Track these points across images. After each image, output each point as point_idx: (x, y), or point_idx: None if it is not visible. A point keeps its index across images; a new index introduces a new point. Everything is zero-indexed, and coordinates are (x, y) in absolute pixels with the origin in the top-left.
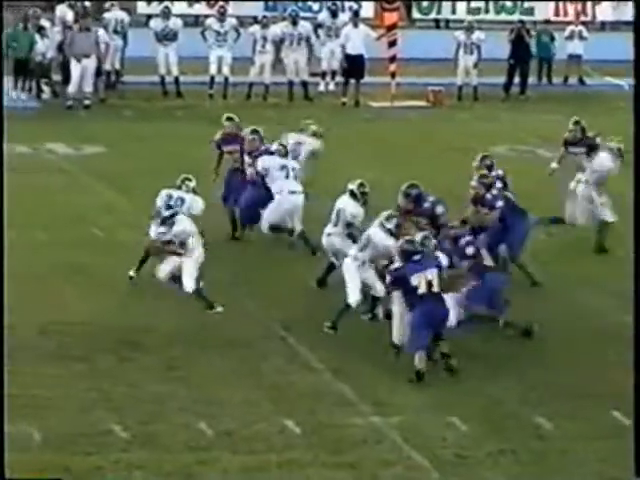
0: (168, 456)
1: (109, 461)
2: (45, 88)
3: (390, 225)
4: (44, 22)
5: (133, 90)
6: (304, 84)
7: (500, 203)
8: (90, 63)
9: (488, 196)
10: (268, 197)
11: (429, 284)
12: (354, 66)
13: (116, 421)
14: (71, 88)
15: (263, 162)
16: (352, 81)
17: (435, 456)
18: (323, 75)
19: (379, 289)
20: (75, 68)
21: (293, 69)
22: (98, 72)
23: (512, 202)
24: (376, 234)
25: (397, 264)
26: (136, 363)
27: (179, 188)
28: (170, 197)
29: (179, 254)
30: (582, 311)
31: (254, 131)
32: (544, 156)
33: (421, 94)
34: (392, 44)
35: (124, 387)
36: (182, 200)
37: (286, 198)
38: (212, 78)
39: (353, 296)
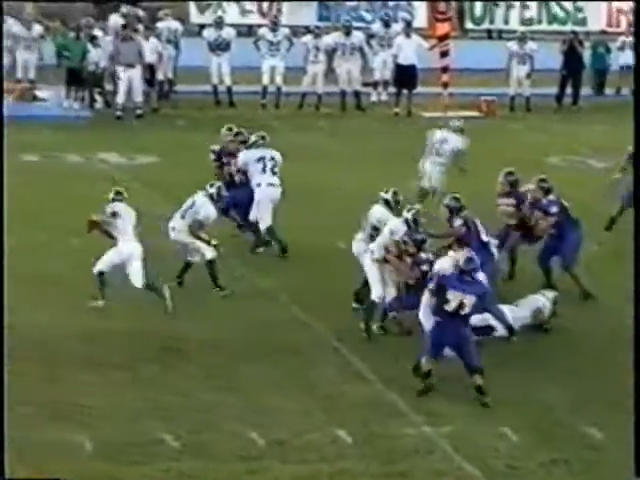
0: (219, 465)
1: (160, 470)
2: (98, 98)
3: (409, 215)
4: (97, 31)
5: (186, 100)
6: (356, 94)
7: (555, 209)
8: (135, 73)
9: (544, 201)
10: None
11: (461, 305)
12: (406, 76)
13: (166, 430)
14: (119, 98)
15: (241, 158)
16: (404, 91)
17: (486, 466)
18: (375, 85)
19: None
20: (122, 78)
21: (345, 79)
22: (151, 82)
23: (567, 211)
24: (391, 220)
25: (446, 272)
26: (181, 371)
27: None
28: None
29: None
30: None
31: (235, 132)
32: (596, 166)
33: (473, 104)
34: (444, 54)
35: (171, 396)
36: (193, 203)
37: (264, 191)
38: (265, 88)
39: (376, 292)
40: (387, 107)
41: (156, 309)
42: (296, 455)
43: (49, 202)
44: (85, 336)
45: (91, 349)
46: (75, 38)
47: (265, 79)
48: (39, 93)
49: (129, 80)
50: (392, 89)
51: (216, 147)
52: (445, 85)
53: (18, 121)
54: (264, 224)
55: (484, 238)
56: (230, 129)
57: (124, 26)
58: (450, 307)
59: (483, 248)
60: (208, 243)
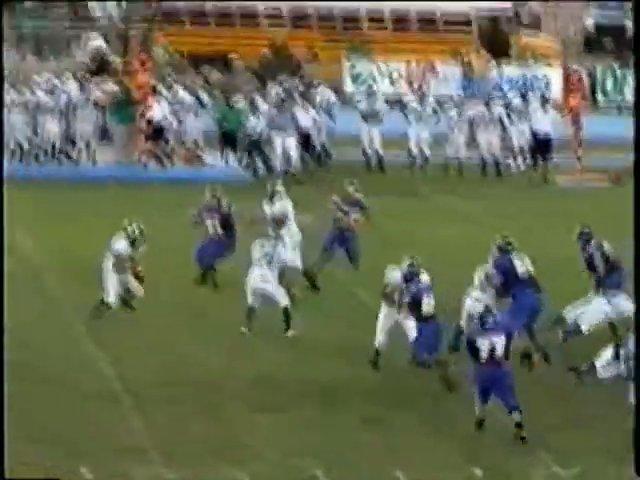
0: None
1: None
2: (259, 162)
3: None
4: (259, 101)
5: (340, 165)
6: (496, 162)
7: None
8: (291, 140)
9: None
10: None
11: (492, 349)
12: (542, 146)
13: (319, 467)
14: (276, 162)
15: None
16: (540, 159)
17: None
18: (513, 154)
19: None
20: (276, 144)
21: (485, 147)
22: (307, 147)
23: None
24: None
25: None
26: (334, 413)
27: None
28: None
29: None
30: None
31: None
32: None
33: (605, 173)
34: (577, 125)
35: (326, 435)
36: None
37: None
38: (411, 154)
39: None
40: (524, 174)
41: (316, 356)
42: None
43: None
44: (249, 378)
45: (253, 391)
46: (230, 107)
47: (412, 145)
48: (205, 157)
49: (285, 146)
50: (529, 157)
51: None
52: (578, 155)
53: (185, 182)
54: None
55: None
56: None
57: (282, 96)
58: (485, 354)
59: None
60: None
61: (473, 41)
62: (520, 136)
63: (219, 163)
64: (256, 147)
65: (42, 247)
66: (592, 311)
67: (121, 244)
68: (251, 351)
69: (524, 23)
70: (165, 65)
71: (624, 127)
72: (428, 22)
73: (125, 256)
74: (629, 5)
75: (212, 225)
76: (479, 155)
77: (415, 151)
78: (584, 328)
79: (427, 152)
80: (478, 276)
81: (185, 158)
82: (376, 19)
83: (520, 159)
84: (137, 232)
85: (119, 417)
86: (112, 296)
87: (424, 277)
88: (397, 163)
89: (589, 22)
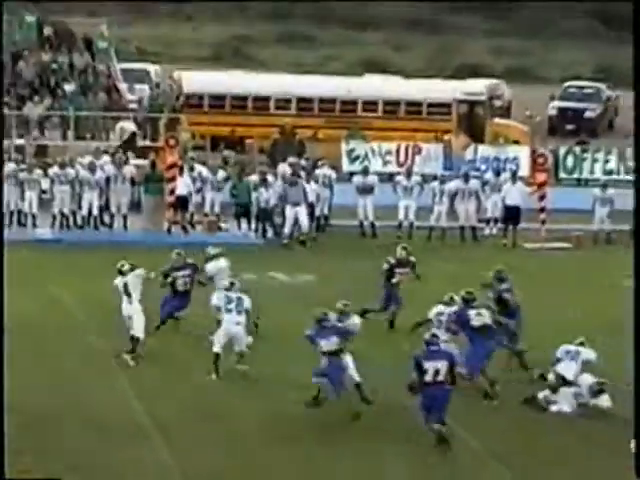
0: None
1: None
2: (269, 229)
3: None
4: (269, 176)
5: (338, 231)
6: (473, 228)
7: None
8: (301, 210)
9: None
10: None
11: (436, 373)
12: (512, 215)
13: None
14: (286, 229)
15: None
16: (510, 227)
17: None
18: (488, 222)
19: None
20: (289, 214)
21: (464, 216)
22: (311, 217)
23: None
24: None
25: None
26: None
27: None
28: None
29: None
30: None
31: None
32: None
33: (566, 238)
34: (542, 197)
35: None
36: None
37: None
38: (400, 223)
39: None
40: (497, 239)
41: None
42: None
43: None
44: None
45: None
46: (239, 180)
47: (401, 215)
48: (223, 225)
49: (295, 215)
50: (501, 225)
51: (165, 267)
52: (543, 222)
53: (203, 246)
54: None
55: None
56: (179, 253)
57: (291, 173)
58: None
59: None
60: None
61: (453, 125)
62: (493, 207)
63: (235, 230)
64: (267, 216)
65: (83, 302)
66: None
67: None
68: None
69: (497, 107)
70: (189, 146)
71: (582, 199)
72: (415, 109)
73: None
74: (590, 92)
75: (183, 282)
76: (458, 223)
77: (403, 220)
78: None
79: (413, 220)
80: (433, 313)
81: (206, 226)
82: (370, 105)
83: (493, 226)
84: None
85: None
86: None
87: None
88: (388, 230)
89: (552, 110)
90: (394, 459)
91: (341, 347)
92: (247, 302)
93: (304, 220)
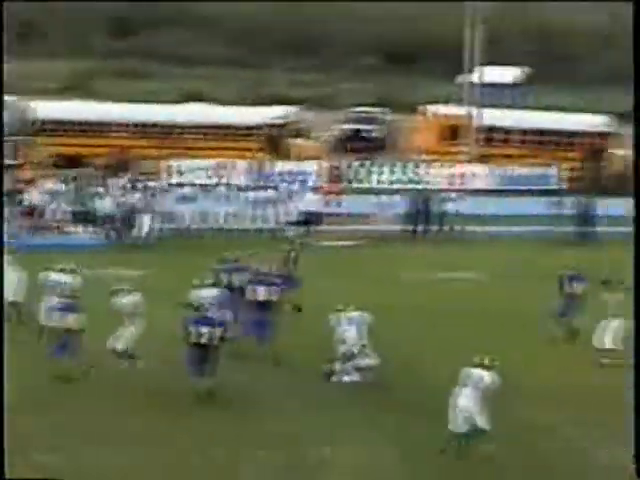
0: None
1: None
2: (111, 232)
3: None
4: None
5: (169, 235)
6: (273, 229)
7: None
8: (146, 217)
9: None
10: None
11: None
12: (309, 218)
13: None
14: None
15: None
16: (308, 228)
17: None
18: (288, 224)
19: None
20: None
21: (270, 219)
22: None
23: None
24: None
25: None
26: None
27: None
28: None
29: None
30: None
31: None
32: None
33: (354, 237)
34: (337, 204)
35: None
36: None
37: None
38: (221, 226)
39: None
40: (300, 238)
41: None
42: None
43: None
44: None
45: None
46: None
47: (220, 219)
48: (67, 229)
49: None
50: (300, 227)
51: None
52: (336, 224)
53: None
54: None
55: None
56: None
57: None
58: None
59: None
60: None
61: (262, 144)
62: (293, 211)
63: (80, 234)
64: (110, 222)
65: None
66: None
67: None
68: None
69: (299, 129)
70: (42, 164)
71: (369, 204)
72: (230, 132)
73: None
74: (372, 116)
75: None
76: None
77: (223, 223)
78: None
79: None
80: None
81: (53, 229)
82: (192, 128)
83: (293, 228)
84: None
85: None
86: None
87: None
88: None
89: (343, 131)
90: None
91: None
92: None
93: (146, 225)
